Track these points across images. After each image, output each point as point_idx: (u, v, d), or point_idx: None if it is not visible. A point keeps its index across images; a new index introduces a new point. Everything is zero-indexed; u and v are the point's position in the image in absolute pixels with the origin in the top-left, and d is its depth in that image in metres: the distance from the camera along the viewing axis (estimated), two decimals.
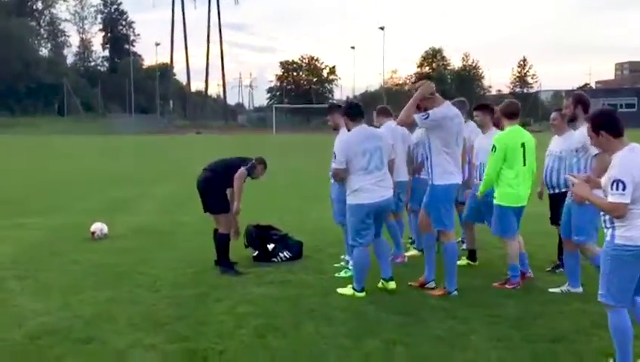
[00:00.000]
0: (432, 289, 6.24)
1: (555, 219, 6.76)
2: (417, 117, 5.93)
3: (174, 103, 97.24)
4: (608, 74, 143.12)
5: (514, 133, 6.40)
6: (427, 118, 5.90)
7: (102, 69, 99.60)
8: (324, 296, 6.07)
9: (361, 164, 5.93)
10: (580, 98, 5.94)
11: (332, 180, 7.05)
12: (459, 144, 6.19)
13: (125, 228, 9.73)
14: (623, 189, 3.88)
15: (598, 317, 5.32)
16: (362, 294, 6.04)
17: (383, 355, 4.61)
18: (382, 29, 76.17)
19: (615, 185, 3.91)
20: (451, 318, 5.40)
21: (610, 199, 3.97)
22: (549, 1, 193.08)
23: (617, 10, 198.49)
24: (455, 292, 6.07)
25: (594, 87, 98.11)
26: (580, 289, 6.10)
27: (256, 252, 7.67)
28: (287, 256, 7.63)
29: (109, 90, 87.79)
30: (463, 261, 7.39)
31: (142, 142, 45.18)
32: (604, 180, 4.12)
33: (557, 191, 6.63)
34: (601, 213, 4.17)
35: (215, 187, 7.15)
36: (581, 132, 5.74)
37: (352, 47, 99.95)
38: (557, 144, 6.72)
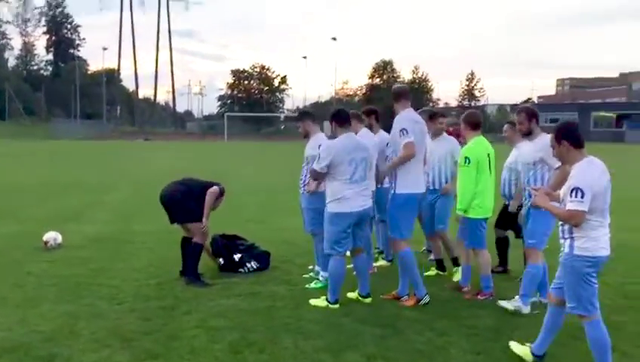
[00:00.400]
0: (405, 300, 6.16)
1: (505, 227, 6.99)
2: (401, 141, 5.90)
3: (121, 109, 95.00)
4: (550, 89, 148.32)
5: (480, 144, 6.39)
6: (407, 133, 5.90)
7: (45, 73, 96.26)
8: (297, 308, 5.90)
9: (346, 173, 5.81)
10: (533, 112, 5.93)
11: (302, 189, 6.90)
12: (421, 151, 6.15)
13: (80, 237, 9.30)
14: (582, 197, 4.02)
15: (574, 329, 5.33)
16: (336, 306, 5.91)
17: None
18: (334, 39, 76.73)
19: (574, 193, 4.05)
20: (429, 330, 5.31)
21: (568, 206, 4.10)
22: (494, 19, 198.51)
23: (558, 29, 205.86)
24: (427, 298, 6.00)
25: (536, 101, 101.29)
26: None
27: (222, 261, 7.42)
28: (255, 267, 7.41)
29: (53, 94, 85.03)
30: (432, 271, 7.36)
31: (89, 148, 43.85)
32: (563, 190, 4.26)
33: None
34: (560, 223, 4.28)
35: (186, 197, 6.90)
36: (536, 145, 5.80)
37: (304, 57, 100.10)
38: (512, 155, 6.83)
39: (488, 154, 6.35)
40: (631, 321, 5.58)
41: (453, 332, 5.27)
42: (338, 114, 6.14)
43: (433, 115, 7.30)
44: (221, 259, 7.40)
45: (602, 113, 78.21)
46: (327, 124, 7.73)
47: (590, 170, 4.17)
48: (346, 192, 5.81)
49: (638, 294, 6.49)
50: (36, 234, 8.89)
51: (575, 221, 4.10)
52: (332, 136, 6.28)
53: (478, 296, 6.33)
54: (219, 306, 5.94)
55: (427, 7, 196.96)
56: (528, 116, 5.86)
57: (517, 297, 5.87)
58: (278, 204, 13.69)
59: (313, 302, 6.02)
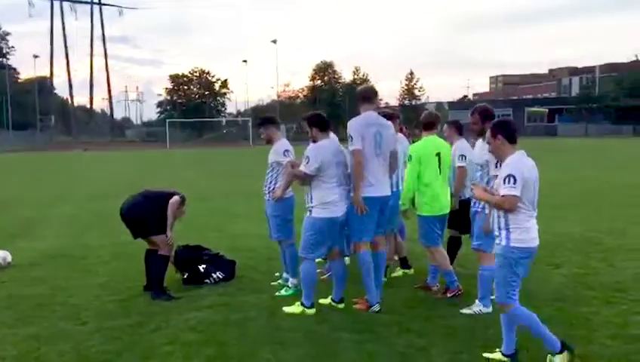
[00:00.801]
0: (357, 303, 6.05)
1: (455, 226, 6.94)
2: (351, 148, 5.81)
3: (56, 119, 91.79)
4: (484, 87, 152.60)
5: (429, 142, 6.47)
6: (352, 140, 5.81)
7: None
8: (271, 317, 5.79)
9: (334, 175, 5.78)
10: (486, 111, 5.93)
11: (267, 196, 6.78)
12: (378, 154, 5.91)
13: (30, 255, 8.88)
14: (514, 183, 4.26)
15: (544, 320, 5.46)
16: (313, 310, 5.84)
17: None
18: (274, 42, 76.42)
19: (507, 179, 4.29)
20: (406, 332, 5.31)
21: (502, 192, 4.33)
22: (430, 20, 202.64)
23: (490, 29, 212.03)
24: (377, 306, 5.87)
25: (472, 99, 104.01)
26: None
27: (186, 274, 7.22)
28: (220, 277, 7.23)
29: None
30: (399, 272, 7.39)
31: (24, 160, 42.16)
32: (497, 182, 4.54)
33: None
34: (496, 216, 4.50)
35: (147, 211, 6.66)
36: (485, 146, 5.83)
37: (244, 61, 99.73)
38: (453, 154, 6.83)
39: (438, 153, 6.39)
40: (600, 312, 5.72)
41: (430, 333, 5.28)
42: (319, 119, 6.02)
43: (389, 117, 7.29)
44: (186, 274, 7.19)
45: (535, 108, 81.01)
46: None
47: (522, 162, 4.42)
48: (333, 197, 5.76)
49: (598, 284, 6.67)
50: None
51: (509, 205, 4.31)
52: (313, 140, 6.16)
53: (447, 294, 6.38)
54: (190, 320, 5.76)
55: (365, 8, 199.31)
56: (481, 116, 5.88)
57: (477, 301, 5.89)
58: (232, 211, 13.50)
59: (287, 309, 5.92)
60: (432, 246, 6.45)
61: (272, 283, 7.01)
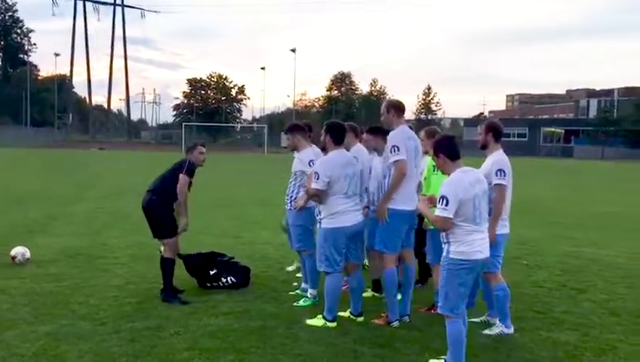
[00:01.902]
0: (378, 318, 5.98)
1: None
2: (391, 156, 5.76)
3: (73, 117, 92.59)
4: (500, 104, 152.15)
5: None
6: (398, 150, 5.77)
7: None
8: (291, 328, 5.72)
9: (342, 188, 5.70)
10: (492, 126, 5.92)
11: (288, 205, 6.72)
12: (415, 167, 5.97)
13: (49, 252, 8.89)
14: (446, 205, 4.39)
15: (570, 347, 5.37)
16: (334, 324, 5.77)
17: None
18: (293, 51, 76.68)
19: (440, 201, 4.44)
20: (426, 350, 5.21)
21: (436, 213, 4.50)
22: (447, 35, 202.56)
23: (508, 46, 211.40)
24: (396, 323, 5.82)
25: (487, 116, 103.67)
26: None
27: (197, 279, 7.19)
28: (231, 282, 7.15)
29: (1, 100, 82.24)
30: (368, 292, 6.88)
31: (42, 156, 42.50)
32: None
33: None
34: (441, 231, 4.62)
35: (159, 210, 6.61)
36: (488, 161, 5.79)
37: (262, 68, 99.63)
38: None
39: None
40: (624, 340, 5.60)
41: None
42: (337, 130, 5.97)
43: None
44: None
45: (552, 129, 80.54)
46: (283, 135, 7.52)
47: (460, 180, 4.49)
48: (341, 207, 5.71)
49: (623, 310, 6.56)
50: (1, 249, 8.44)
51: (440, 226, 4.50)
52: (322, 148, 6.13)
53: (432, 311, 6.22)
54: (208, 326, 5.72)
55: (384, 21, 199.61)
56: (487, 129, 5.88)
57: (497, 322, 5.78)
58: (249, 218, 13.48)
59: (310, 322, 5.84)
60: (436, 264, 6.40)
61: (291, 293, 6.95)
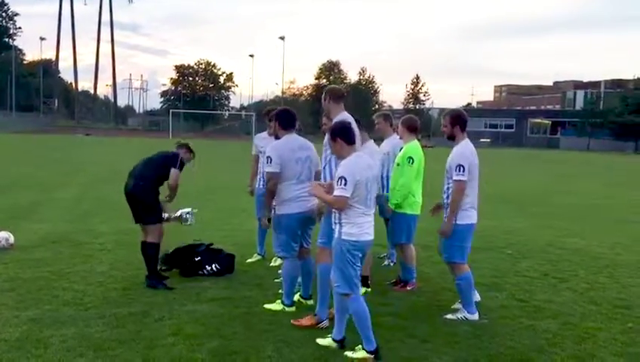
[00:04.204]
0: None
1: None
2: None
3: (59, 102, 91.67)
4: (488, 95, 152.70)
5: (418, 145, 6.84)
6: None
7: None
8: (275, 314, 5.75)
9: (293, 173, 5.73)
10: (457, 116, 5.91)
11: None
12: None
13: (34, 238, 8.85)
14: (345, 185, 4.58)
15: (550, 335, 5.45)
16: (293, 308, 5.88)
17: None
18: (282, 38, 76.38)
19: (339, 181, 4.61)
20: (410, 337, 5.27)
21: (334, 193, 4.66)
22: (437, 26, 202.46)
23: (497, 39, 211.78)
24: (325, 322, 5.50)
25: (475, 107, 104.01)
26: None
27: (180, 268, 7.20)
28: (216, 269, 7.18)
29: None
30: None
31: (28, 142, 42.09)
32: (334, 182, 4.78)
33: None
34: (332, 211, 4.86)
35: (146, 195, 6.60)
36: (452, 153, 5.85)
37: (251, 55, 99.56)
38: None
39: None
40: (604, 328, 5.69)
41: (434, 338, 5.25)
42: (285, 115, 6.00)
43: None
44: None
45: (538, 120, 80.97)
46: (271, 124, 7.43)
47: (356, 163, 4.71)
48: (296, 193, 5.74)
49: (603, 299, 6.64)
50: None
51: (339, 205, 4.66)
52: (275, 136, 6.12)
53: (407, 287, 6.79)
54: (193, 312, 5.74)
55: (374, 12, 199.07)
56: (452, 120, 5.89)
57: (461, 307, 5.90)
58: (235, 206, 13.45)
59: (268, 306, 5.94)
60: (406, 244, 6.85)
61: (276, 280, 6.97)
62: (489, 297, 6.62)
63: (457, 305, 6.02)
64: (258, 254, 8.12)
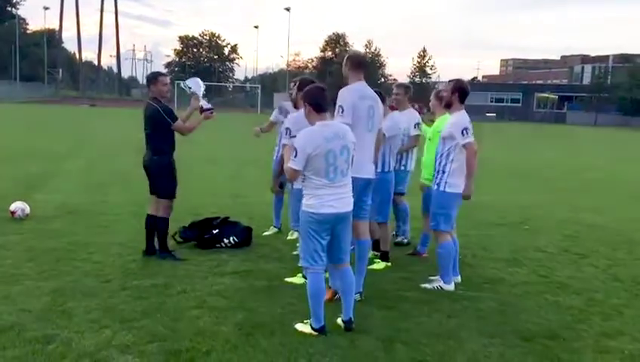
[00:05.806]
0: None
1: None
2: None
3: (63, 72, 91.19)
4: (494, 69, 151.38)
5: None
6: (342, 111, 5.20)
7: None
8: (296, 288, 5.70)
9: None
10: (459, 87, 5.77)
11: None
12: (370, 130, 5.39)
13: (48, 208, 8.81)
14: (295, 157, 4.40)
15: (576, 311, 5.40)
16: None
17: (388, 356, 4.33)
18: (287, 10, 75.44)
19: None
20: (435, 311, 5.23)
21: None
22: (445, 1, 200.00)
23: (504, 12, 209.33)
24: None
25: (481, 80, 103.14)
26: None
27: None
28: (234, 241, 7.13)
29: None
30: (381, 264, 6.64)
31: (33, 112, 41.98)
32: None
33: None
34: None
35: (159, 169, 6.47)
36: (449, 121, 5.78)
37: (256, 27, 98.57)
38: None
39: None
40: (630, 305, 5.64)
41: (460, 314, 5.21)
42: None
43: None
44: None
45: (546, 94, 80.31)
46: (276, 96, 7.28)
47: (313, 134, 4.46)
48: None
49: (626, 276, 6.59)
50: None
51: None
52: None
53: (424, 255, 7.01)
54: (215, 285, 5.70)
55: None
56: (453, 88, 5.77)
57: (437, 277, 5.93)
58: (245, 178, 13.39)
59: (289, 279, 5.92)
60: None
61: (294, 253, 6.92)
62: (510, 273, 6.58)
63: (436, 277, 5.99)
64: (274, 227, 8.07)
